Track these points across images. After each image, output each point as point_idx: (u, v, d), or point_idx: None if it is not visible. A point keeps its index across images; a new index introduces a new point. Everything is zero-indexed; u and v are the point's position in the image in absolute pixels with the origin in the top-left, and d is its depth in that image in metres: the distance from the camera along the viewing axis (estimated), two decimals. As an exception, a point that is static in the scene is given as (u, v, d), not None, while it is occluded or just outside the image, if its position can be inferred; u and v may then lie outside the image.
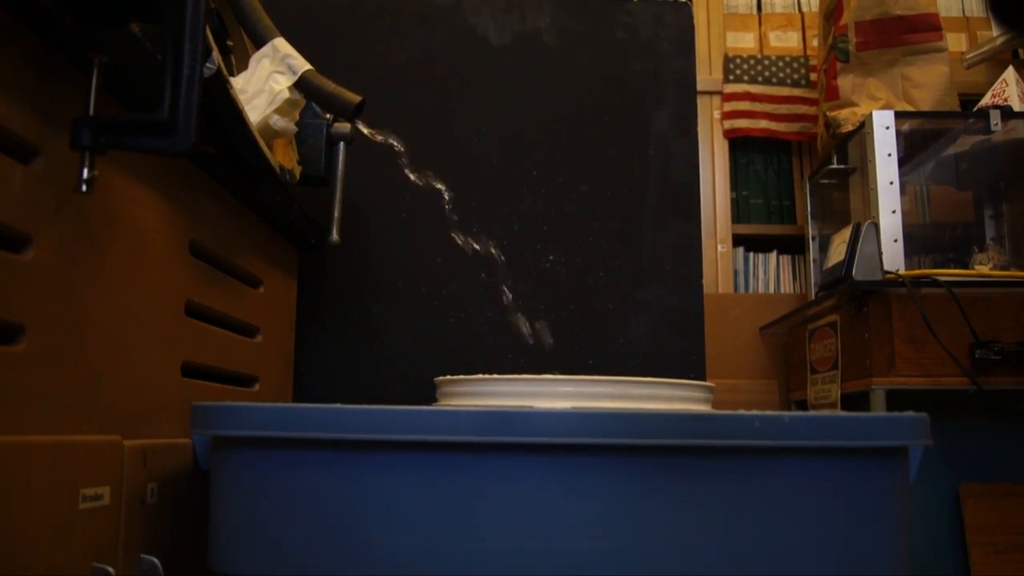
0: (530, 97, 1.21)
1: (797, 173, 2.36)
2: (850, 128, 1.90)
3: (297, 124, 0.84)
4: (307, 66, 0.79)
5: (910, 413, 0.54)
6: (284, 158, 0.86)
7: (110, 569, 0.49)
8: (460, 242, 1.14)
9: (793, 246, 2.32)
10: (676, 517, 0.48)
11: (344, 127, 0.94)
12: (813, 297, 2.02)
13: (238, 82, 0.79)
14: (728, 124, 2.34)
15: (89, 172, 0.49)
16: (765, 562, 0.49)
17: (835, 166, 1.96)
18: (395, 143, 0.92)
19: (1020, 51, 2.30)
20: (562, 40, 1.22)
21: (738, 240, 2.32)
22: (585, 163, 1.19)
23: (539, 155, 1.19)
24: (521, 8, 1.23)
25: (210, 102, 0.65)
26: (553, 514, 0.48)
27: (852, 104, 1.98)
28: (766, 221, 2.34)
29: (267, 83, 0.78)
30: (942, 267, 1.84)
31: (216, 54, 0.60)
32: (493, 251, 1.11)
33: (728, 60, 2.38)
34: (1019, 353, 1.54)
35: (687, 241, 1.18)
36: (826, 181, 2.05)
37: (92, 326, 0.55)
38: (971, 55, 2.18)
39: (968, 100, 2.09)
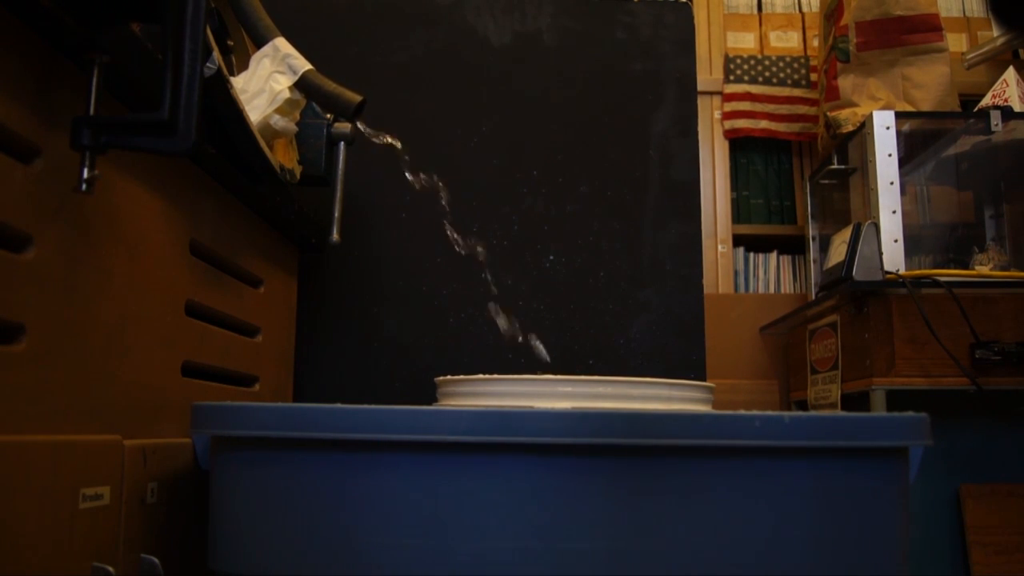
0: (530, 97, 1.21)
1: (797, 173, 2.36)
2: (850, 128, 1.90)
3: (297, 124, 0.84)
4: (308, 66, 0.79)
5: (910, 413, 0.54)
6: (284, 158, 0.86)
7: (110, 569, 0.49)
8: (460, 242, 1.14)
9: (793, 246, 2.31)
10: (676, 517, 0.48)
11: (345, 127, 0.94)
12: (813, 297, 2.02)
13: (238, 82, 0.79)
14: (728, 124, 2.34)
15: (89, 172, 0.49)
16: (765, 562, 0.49)
17: (835, 166, 1.96)
18: (395, 143, 0.92)
19: (1020, 51, 2.30)
20: (562, 40, 1.22)
21: (738, 240, 2.32)
22: (585, 163, 1.19)
23: (539, 155, 1.19)
24: (521, 8, 1.23)
25: (210, 102, 0.65)
26: (552, 514, 0.48)
27: (852, 104, 1.98)
28: (766, 221, 2.34)
29: (268, 83, 0.78)
30: (942, 267, 1.84)
31: (216, 54, 0.60)
32: (482, 249, 1.11)
33: (728, 60, 2.38)
34: (1019, 353, 1.54)
35: (687, 241, 1.18)
36: (826, 181, 2.05)
37: (92, 326, 0.55)
38: (971, 55, 2.18)
39: (968, 100, 2.09)
